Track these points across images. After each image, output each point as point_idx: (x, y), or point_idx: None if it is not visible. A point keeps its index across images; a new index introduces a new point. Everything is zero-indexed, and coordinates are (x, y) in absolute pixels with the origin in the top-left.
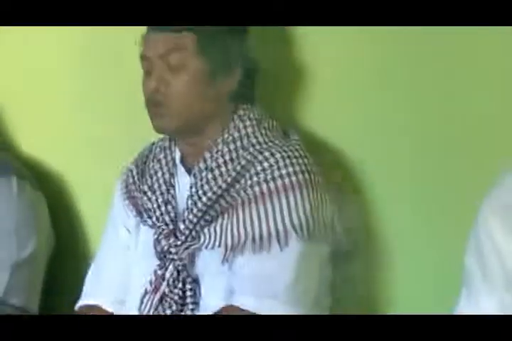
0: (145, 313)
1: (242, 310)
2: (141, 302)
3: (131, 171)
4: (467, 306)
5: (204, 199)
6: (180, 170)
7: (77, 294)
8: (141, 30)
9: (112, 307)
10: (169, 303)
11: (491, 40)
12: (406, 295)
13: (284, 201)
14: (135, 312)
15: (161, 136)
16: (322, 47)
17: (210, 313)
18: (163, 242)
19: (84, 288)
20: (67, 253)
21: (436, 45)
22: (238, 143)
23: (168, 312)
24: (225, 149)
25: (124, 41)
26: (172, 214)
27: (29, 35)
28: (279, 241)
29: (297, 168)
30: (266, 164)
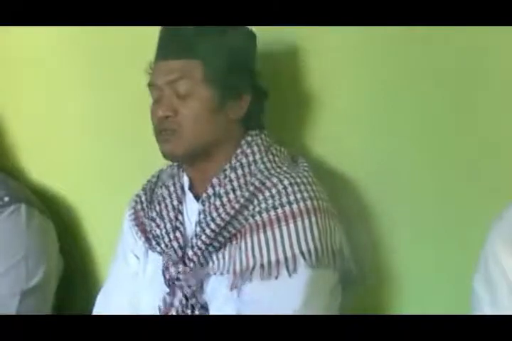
0: None
1: None
2: None
3: (140, 197)
4: None
5: (212, 225)
6: (189, 196)
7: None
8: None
9: None
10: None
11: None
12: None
13: (292, 227)
14: None
15: (169, 162)
16: (329, 73)
17: None
18: (172, 269)
19: (95, 310)
20: (76, 279)
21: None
22: (246, 169)
23: None
24: (233, 175)
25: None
26: (180, 241)
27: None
28: (287, 267)
29: (305, 195)
30: (274, 190)
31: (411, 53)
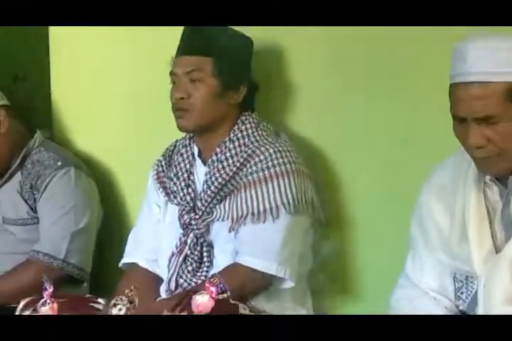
0: (172, 270)
1: (244, 266)
2: (169, 261)
3: (161, 162)
4: (412, 263)
5: (216, 183)
6: (198, 161)
7: (120, 255)
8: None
9: (146, 264)
10: (190, 262)
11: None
12: (368, 253)
13: (275, 184)
14: (165, 270)
15: (183, 134)
16: (306, 67)
17: (221, 269)
18: (186, 216)
19: (126, 250)
20: (113, 225)
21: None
22: (241, 141)
23: (190, 268)
24: (231, 146)
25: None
26: (192, 195)
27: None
28: (272, 214)
29: (286, 160)
30: (262, 157)
31: (371, 51)
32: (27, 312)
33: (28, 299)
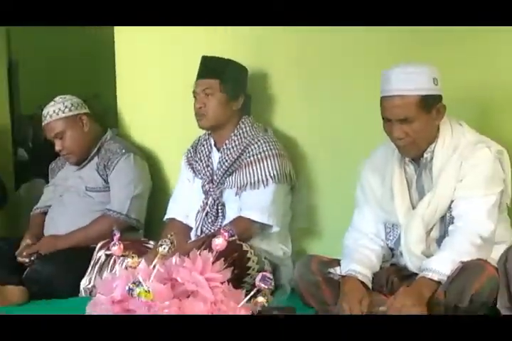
0: (198, 222)
1: (245, 218)
2: (196, 216)
3: (190, 150)
4: (357, 216)
5: (226, 164)
6: (214, 149)
7: (164, 213)
8: None
9: (181, 218)
10: (210, 216)
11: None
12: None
13: (265, 163)
14: (194, 222)
15: (203, 131)
16: (288, 79)
17: (230, 220)
18: (206, 186)
19: (167, 209)
20: (158, 192)
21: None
22: (242, 136)
23: (209, 221)
24: (236, 138)
25: None
26: (210, 172)
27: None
28: (263, 183)
29: (271, 147)
30: (256, 145)
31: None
32: (102, 251)
33: (103, 242)
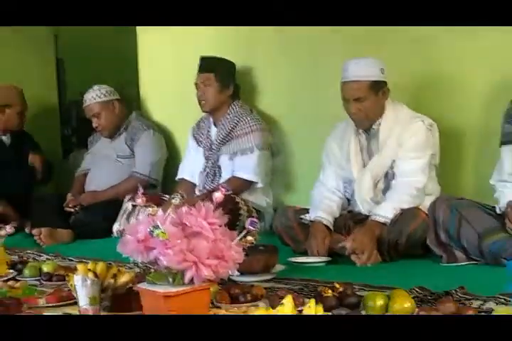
0: (201, 181)
1: (237, 177)
2: (199, 176)
3: (194, 127)
4: (322, 173)
5: (221, 136)
6: (212, 126)
7: (175, 174)
8: None
9: (188, 178)
10: (209, 176)
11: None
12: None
13: (252, 135)
14: (198, 181)
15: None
16: (269, 72)
17: (225, 178)
18: (207, 153)
19: (178, 171)
20: (172, 159)
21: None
22: (233, 115)
23: (210, 179)
24: (229, 117)
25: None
26: (210, 142)
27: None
28: (251, 150)
29: (256, 123)
30: (244, 122)
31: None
32: (129, 203)
33: (129, 195)
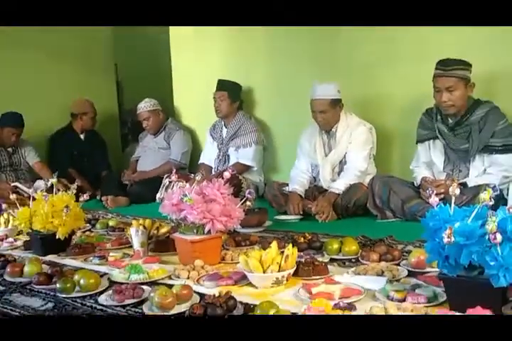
0: (215, 164)
1: (241, 163)
2: (214, 162)
3: (211, 128)
4: (297, 160)
5: (230, 135)
6: (224, 127)
7: (198, 159)
8: None
9: (207, 162)
10: (221, 162)
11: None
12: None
13: (249, 135)
14: (213, 164)
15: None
16: (264, 81)
17: (232, 163)
18: (219, 146)
19: (200, 158)
20: (195, 150)
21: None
22: (239, 120)
23: (221, 164)
24: (235, 122)
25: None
26: (221, 138)
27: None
28: (249, 145)
29: (253, 126)
30: (246, 125)
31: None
32: (167, 179)
33: (167, 174)
